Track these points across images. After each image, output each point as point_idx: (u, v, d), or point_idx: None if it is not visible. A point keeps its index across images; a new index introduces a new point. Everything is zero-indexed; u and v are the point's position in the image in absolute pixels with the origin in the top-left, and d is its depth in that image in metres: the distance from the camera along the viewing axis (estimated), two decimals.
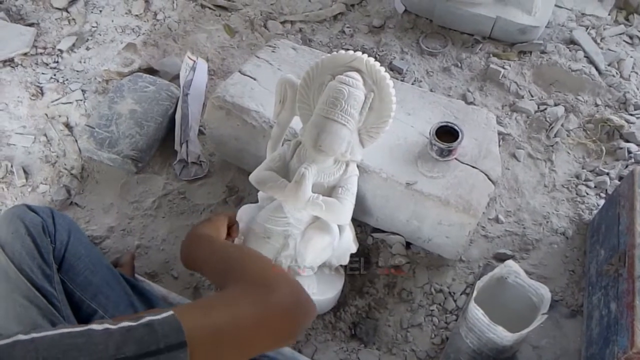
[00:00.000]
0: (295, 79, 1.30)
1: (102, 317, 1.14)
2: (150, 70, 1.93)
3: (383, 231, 1.52)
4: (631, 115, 1.83)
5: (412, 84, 1.92)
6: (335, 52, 1.26)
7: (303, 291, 0.84)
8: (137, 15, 2.16)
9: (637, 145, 1.76)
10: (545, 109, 1.86)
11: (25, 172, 1.70)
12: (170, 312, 0.68)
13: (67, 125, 1.81)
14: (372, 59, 1.22)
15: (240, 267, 0.89)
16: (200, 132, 1.77)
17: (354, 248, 1.39)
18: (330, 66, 1.25)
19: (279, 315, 0.79)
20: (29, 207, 1.13)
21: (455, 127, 1.37)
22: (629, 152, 1.74)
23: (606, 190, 1.67)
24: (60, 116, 1.84)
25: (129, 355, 0.61)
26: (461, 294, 1.47)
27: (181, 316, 0.68)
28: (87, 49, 2.05)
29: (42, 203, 1.63)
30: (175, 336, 0.65)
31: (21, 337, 0.60)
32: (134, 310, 1.20)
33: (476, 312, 1.21)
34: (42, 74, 1.95)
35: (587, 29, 2.10)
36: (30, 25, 2.09)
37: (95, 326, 0.63)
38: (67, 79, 1.94)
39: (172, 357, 0.63)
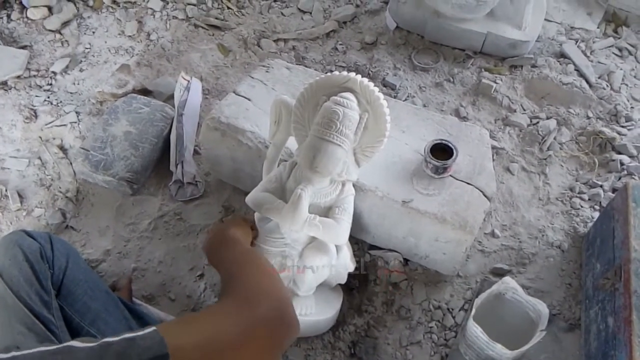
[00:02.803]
0: (290, 99, 1.31)
1: None
2: (145, 91, 1.94)
3: (380, 248, 1.52)
4: (622, 127, 1.85)
5: (405, 99, 1.93)
6: (329, 73, 1.27)
7: (289, 307, 0.85)
8: (130, 36, 2.17)
9: (630, 157, 1.77)
10: (538, 122, 1.88)
11: (20, 195, 1.69)
12: (153, 328, 0.68)
13: (62, 148, 1.81)
14: (365, 80, 1.23)
15: (237, 277, 0.90)
16: (196, 152, 1.78)
17: (351, 267, 1.39)
18: (325, 87, 1.26)
19: (260, 332, 0.79)
20: (27, 233, 1.13)
21: (450, 145, 1.38)
22: (622, 164, 1.75)
23: (600, 202, 1.68)
24: (54, 139, 1.84)
25: None
26: (459, 310, 1.47)
27: (164, 331, 0.67)
28: (81, 70, 2.05)
29: (38, 227, 1.62)
30: (158, 348, 0.64)
31: (1, 355, 0.60)
32: None
33: (475, 329, 1.21)
34: (36, 96, 1.95)
35: (576, 42, 2.12)
36: (23, 47, 2.10)
37: (76, 343, 0.63)
38: (61, 101, 1.94)
39: None
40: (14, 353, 0.60)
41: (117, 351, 0.63)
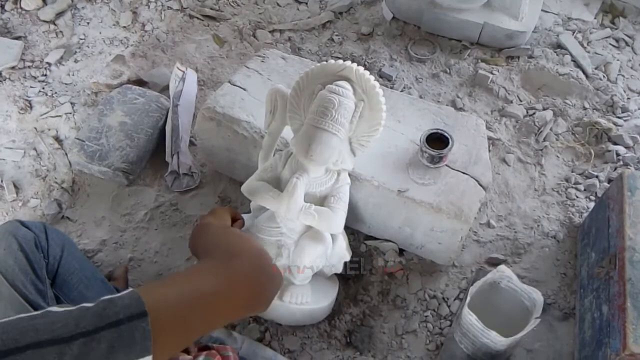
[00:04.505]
0: (286, 88, 1.31)
1: None
2: (140, 82, 1.93)
3: (376, 238, 1.52)
4: (619, 118, 1.85)
5: (402, 90, 1.93)
6: (324, 62, 1.26)
7: (268, 259, 0.84)
8: (125, 27, 2.16)
9: (625, 147, 1.77)
10: (534, 113, 1.87)
11: (15, 186, 1.69)
12: (131, 289, 0.67)
13: (57, 139, 1.81)
14: (361, 68, 1.23)
15: (213, 244, 0.90)
16: (191, 143, 1.77)
17: (347, 256, 1.39)
18: (320, 75, 1.25)
19: (241, 282, 0.78)
20: (22, 223, 1.13)
21: (446, 134, 1.38)
22: (618, 154, 1.76)
23: (596, 193, 1.68)
24: (49, 130, 1.83)
25: (89, 329, 0.60)
26: (455, 300, 1.47)
27: (142, 291, 0.67)
28: (76, 61, 2.04)
29: (33, 217, 1.62)
30: (136, 307, 0.64)
31: None
32: None
33: (470, 317, 1.21)
34: (31, 87, 1.94)
35: (573, 33, 2.12)
36: (18, 38, 2.09)
37: (54, 308, 0.62)
38: (55, 92, 1.93)
39: (133, 327, 0.62)
40: None
41: (95, 312, 0.62)
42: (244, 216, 1.42)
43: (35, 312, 0.62)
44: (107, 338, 0.60)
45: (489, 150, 1.64)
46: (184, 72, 1.89)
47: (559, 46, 2.08)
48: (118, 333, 0.61)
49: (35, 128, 1.83)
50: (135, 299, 0.65)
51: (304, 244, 1.28)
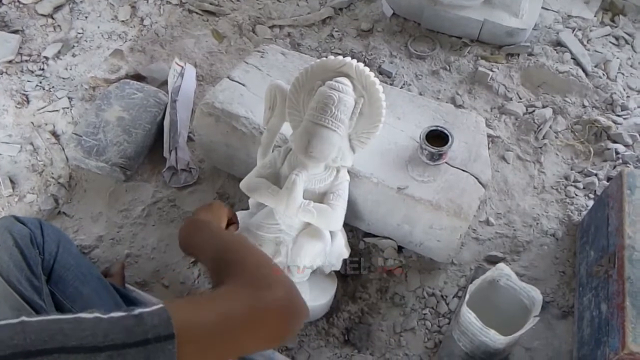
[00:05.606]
0: (285, 84, 1.30)
1: None
2: (138, 77, 1.92)
3: (375, 236, 1.52)
4: (618, 116, 1.85)
5: (401, 87, 1.92)
6: (324, 58, 1.25)
7: (297, 294, 0.83)
8: (123, 21, 2.14)
9: (625, 145, 1.77)
10: (534, 111, 1.87)
11: (11, 181, 1.68)
12: (161, 305, 0.67)
13: (54, 134, 1.79)
14: (361, 64, 1.22)
15: (238, 262, 0.87)
16: (190, 139, 1.76)
17: (346, 253, 1.39)
18: (320, 72, 1.25)
19: (271, 315, 0.77)
20: (17, 219, 1.12)
21: (445, 131, 1.37)
22: (617, 152, 1.75)
23: (595, 191, 1.68)
24: (46, 124, 1.82)
25: (117, 343, 0.60)
26: (453, 297, 1.47)
27: (171, 309, 0.67)
28: (73, 55, 2.03)
29: (30, 213, 1.61)
30: (164, 328, 0.64)
31: (10, 320, 0.59)
32: None
33: (469, 315, 1.21)
34: (28, 81, 1.92)
35: (573, 30, 2.11)
36: (15, 32, 2.07)
37: (85, 314, 0.63)
38: (53, 87, 1.92)
39: (159, 348, 0.62)
40: (23, 318, 0.60)
41: (126, 327, 0.63)
42: (243, 213, 1.42)
43: (66, 316, 0.62)
44: (133, 356, 0.60)
45: (489, 148, 1.63)
46: (182, 67, 1.88)
47: (558, 44, 2.07)
48: (145, 353, 0.61)
49: (32, 123, 1.82)
50: (165, 319, 0.65)
51: (303, 241, 1.27)
